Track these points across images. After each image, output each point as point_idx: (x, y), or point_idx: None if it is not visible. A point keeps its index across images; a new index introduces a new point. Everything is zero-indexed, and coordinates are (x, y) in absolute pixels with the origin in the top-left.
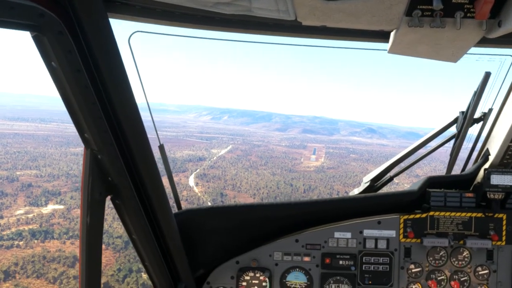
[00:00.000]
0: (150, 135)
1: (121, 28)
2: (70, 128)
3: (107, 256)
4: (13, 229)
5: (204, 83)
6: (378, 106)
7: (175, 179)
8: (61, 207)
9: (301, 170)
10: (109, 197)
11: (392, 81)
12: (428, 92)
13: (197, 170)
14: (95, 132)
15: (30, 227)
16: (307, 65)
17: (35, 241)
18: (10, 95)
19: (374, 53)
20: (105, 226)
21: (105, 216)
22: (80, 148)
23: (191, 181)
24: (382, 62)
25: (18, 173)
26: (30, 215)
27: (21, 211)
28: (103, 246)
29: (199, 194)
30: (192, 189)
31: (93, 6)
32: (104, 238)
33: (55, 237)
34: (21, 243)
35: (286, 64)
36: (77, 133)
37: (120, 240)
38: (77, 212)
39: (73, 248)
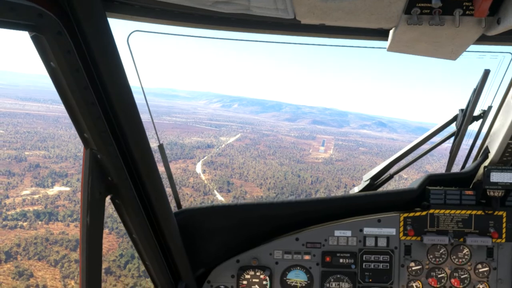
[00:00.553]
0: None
1: (120, 28)
2: None
3: (110, 241)
4: (18, 210)
5: (216, 71)
6: (389, 100)
7: (183, 165)
8: (67, 189)
9: (309, 161)
10: (109, 196)
11: (404, 75)
12: (439, 87)
13: (205, 157)
14: (94, 132)
15: (35, 208)
16: (318, 56)
17: (39, 222)
18: (24, 75)
19: (385, 51)
20: (110, 210)
21: (110, 200)
22: None
23: (198, 168)
24: (394, 56)
25: (26, 153)
26: (36, 196)
27: (27, 192)
28: (106, 231)
29: (205, 182)
30: (199, 176)
31: (91, 6)
32: (108, 222)
33: (59, 219)
34: (25, 224)
35: (296, 54)
36: None
37: None
38: None
39: (77, 231)
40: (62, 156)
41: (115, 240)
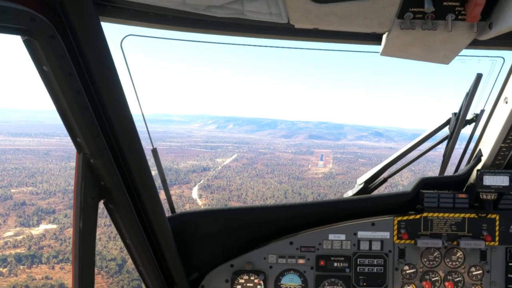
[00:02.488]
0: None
1: (113, 32)
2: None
3: (99, 282)
4: None
5: (209, 92)
6: (384, 109)
7: (178, 191)
8: (54, 226)
9: (309, 177)
10: (102, 201)
11: (397, 84)
12: (433, 94)
13: (201, 181)
14: (87, 136)
15: (18, 251)
16: (311, 70)
17: (21, 267)
18: (18, 111)
19: (378, 56)
20: (99, 247)
21: (100, 236)
22: None
23: (195, 193)
24: (386, 65)
25: (12, 190)
26: (20, 237)
27: (11, 233)
28: (95, 271)
29: (202, 207)
30: (195, 202)
31: (84, 10)
32: (96, 261)
33: (43, 261)
34: (4, 270)
35: (289, 70)
36: None
37: (114, 263)
38: (70, 232)
39: (62, 274)
40: (51, 191)
41: (104, 281)
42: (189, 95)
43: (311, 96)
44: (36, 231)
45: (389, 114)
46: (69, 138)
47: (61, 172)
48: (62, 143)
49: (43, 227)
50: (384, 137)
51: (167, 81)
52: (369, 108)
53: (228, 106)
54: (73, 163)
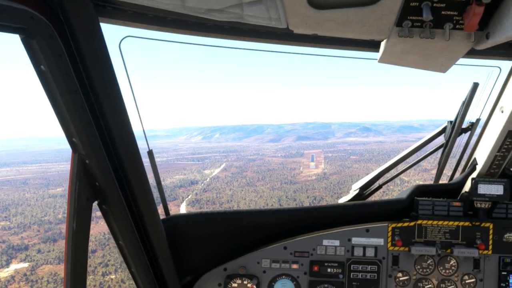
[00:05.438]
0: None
1: (112, 33)
2: (53, 167)
3: None
4: None
5: (192, 104)
6: (369, 104)
7: None
8: (26, 265)
9: (302, 180)
10: (96, 202)
11: (380, 78)
12: (416, 84)
13: (189, 196)
14: (83, 136)
15: None
16: (294, 72)
17: None
18: None
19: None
20: None
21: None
22: (60, 188)
23: (183, 209)
24: (370, 63)
25: None
26: None
27: None
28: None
29: (196, 210)
30: None
31: (84, 10)
32: None
33: None
34: None
35: (273, 73)
36: (58, 173)
37: None
38: (44, 269)
39: None
40: (25, 224)
41: None
42: (172, 107)
43: (295, 98)
44: (5, 273)
45: (375, 108)
46: (50, 164)
47: (38, 202)
48: (42, 170)
49: (13, 267)
50: (373, 131)
51: (149, 96)
52: (355, 104)
53: (213, 115)
54: (51, 190)
